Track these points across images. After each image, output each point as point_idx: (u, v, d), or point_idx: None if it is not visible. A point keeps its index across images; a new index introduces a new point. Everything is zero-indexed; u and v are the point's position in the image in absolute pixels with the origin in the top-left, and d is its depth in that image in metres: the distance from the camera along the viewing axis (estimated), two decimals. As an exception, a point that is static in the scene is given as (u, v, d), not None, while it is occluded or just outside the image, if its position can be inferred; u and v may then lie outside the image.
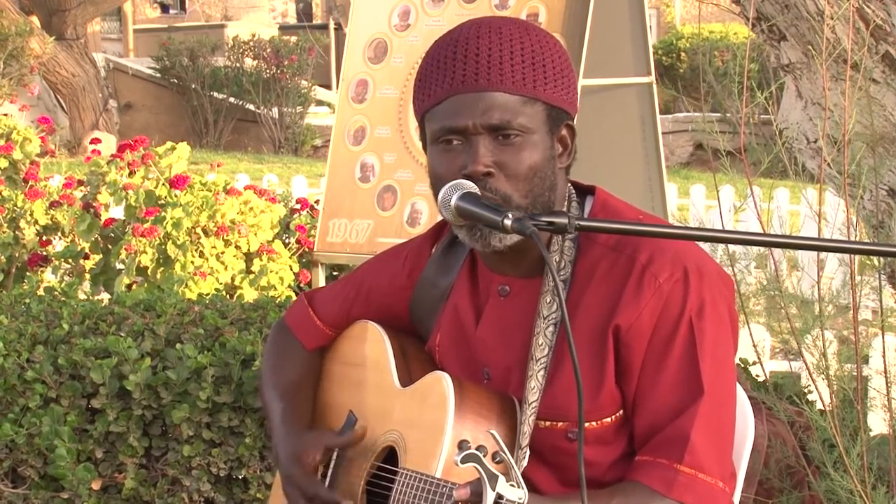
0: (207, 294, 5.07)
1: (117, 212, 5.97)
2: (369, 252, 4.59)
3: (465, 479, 2.03)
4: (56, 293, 4.51)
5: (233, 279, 5.61)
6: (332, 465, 2.45)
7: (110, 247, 5.83)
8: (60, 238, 6.16)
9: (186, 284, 5.34)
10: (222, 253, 5.59)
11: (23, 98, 15.95)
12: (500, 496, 1.93)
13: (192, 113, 18.55)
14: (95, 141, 7.02)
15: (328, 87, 20.26)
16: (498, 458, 1.99)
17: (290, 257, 5.76)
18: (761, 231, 3.47)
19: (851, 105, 3.32)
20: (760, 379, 3.79)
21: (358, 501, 2.36)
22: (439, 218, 2.33)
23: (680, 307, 2.16)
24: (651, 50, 5.26)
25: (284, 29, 23.82)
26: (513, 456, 2.18)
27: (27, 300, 4.32)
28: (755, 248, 3.43)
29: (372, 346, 2.45)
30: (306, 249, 5.76)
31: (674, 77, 18.73)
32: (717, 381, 2.17)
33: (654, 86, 5.19)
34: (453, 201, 2.13)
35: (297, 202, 6.41)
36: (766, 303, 3.57)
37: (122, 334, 3.89)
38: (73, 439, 3.76)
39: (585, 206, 2.29)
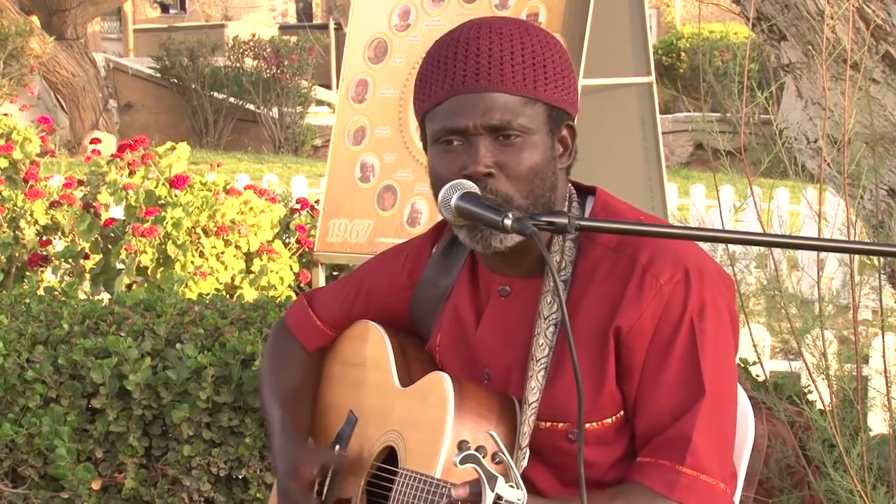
0: (207, 294, 5.07)
1: (117, 212, 5.97)
2: (369, 252, 4.59)
3: (464, 479, 2.03)
4: (56, 293, 4.51)
5: (233, 279, 5.61)
6: (332, 466, 2.45)
7: (110, 247, 5.83)
8: (60, 238, 6.16)
9: (186, 284, 5.34)
10: (222, 253, 5.59)
11: (23, 98, 15.95)
12: (498, 497, 1.93)
13: (192, 113, 18.55)
14: (95, 141, 7.02)
15: (328, 86, 20.26)
16: (497, 459, 1.99)
17: (290, 257, 5.76)
18: (761, 231, 3.47)
19: (851, 105, 3.32)
20: (760, 379, 3.79)
21: (358, 501, 2.36)
22: (439, 218, 2.32)
23: (681, 308, 2.15)
24: (651, 50, 5.26)
25: (284, 29, 23.82)
26: (512, 456, 2.18)
27: (27, 300, 4.32)
28: (755, 248, 3.43)
29: (372, 346, 2.45)
30: (306, 249, 5.77)
31: (674, 77, 18.73)
32: (719, 381, 2.16)
33: (654, 86, 5.19)
34: (453, 201, 2.13)
35: (297, 202, 6.41)
36: (766, 303, 3.58)
37: (122, 334, 3.89)
38: (73, 439, 3.76)
39: (586, 206, 2.29)
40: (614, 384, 2.19)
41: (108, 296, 5.57)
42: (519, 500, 1.94)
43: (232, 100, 18.37)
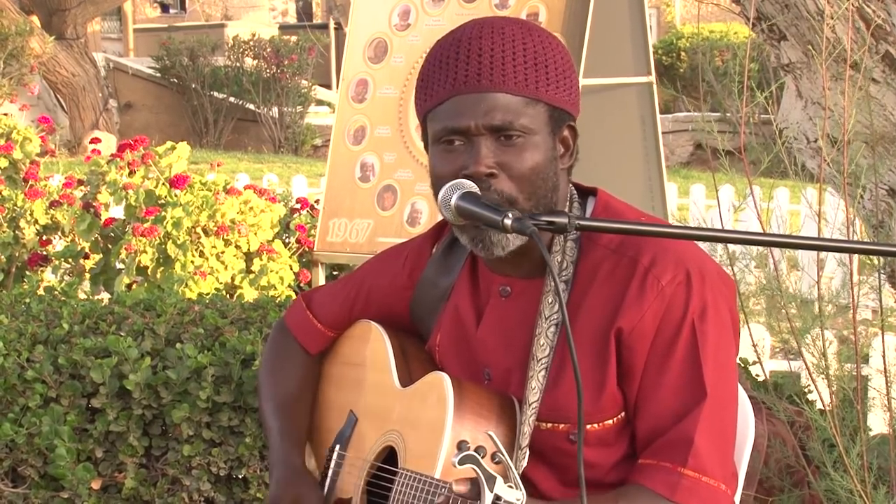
0: (207, 294, 5.07)
1: (117, 211, 5.97)
2: (369, 252, 4.59)
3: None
4: (56, 293, 4.51)
5: (233, 279, 5.61)
6: (331, 466, 2.45)
7: (110, 246, 5.83)
8: (60, 238, 6.16)
9: (186, 284, 5.34)
10: (222, 252, 5.59)
11: (23, 98, 15.95)
12: (497, 497, 1.93)
13: (192, 112, 18.55)
14: (95, 140, 7.03)
15: (328, 86, 20.26)
16: (497, 459, 1.99)
17: (290, 257, 5.76)
18: (761, 231, 3.47)
19: (851, 105, 3.32)
20: (760, 379, 3.79)
21: (358, 501, 2.36)
22: (439, 218, 2.32)
23: (682, 310, 2.15)
24: (651, 49, 5.26)
25: (284, 28, 23.82)
26: (512, 456, 2.18)
27: (27, 300, 4.32)
28: (755, 248, 3.43)
29: (372, 345, 2.45)
30: (306, 249, 5.77)
31: (674, 77, 18.73)
32: (720, 383, 2.16)
33: (654, 85, 5.19)
34: (453, 201, 2.13)
35: (297, 202, 6.41)
36: (766, 302, 3.57)
37: (122, 334, 3.89)
38: (73, 439, 3.76)
39: (587, 207, 2.29)
40: (615, 385, 2.18)
41: (108, 295, 5.57)
42: (518, 500, 1.94)
43: (232, 99, 18.37)
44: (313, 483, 2.44)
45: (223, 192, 5.75)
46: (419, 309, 2.43)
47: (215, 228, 5.58)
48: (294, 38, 19.55)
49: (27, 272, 5.78)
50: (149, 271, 5.57)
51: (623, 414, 2.21)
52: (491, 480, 1.93)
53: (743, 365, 3.97)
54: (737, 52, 3.53)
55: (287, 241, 5.90)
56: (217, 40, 19.41)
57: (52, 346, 3.89)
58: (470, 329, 2.32)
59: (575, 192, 2.29)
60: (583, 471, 1.97)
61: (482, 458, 1.95)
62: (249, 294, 5.48)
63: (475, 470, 1.94)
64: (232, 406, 3.76)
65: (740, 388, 2.29)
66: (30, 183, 6.29)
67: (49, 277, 5.86)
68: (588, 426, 2.19)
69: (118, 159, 5.94)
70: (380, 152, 5.04)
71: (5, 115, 8.34)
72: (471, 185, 2.14)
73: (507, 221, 2.04)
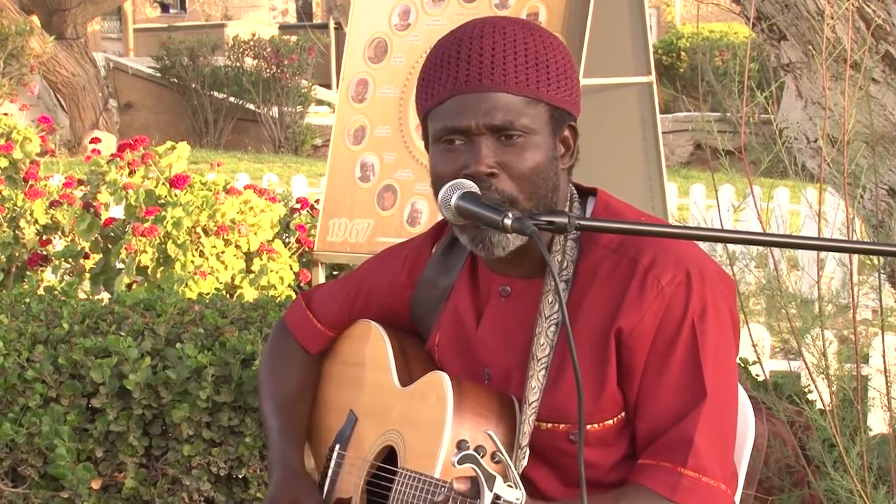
0: (207, 293, 5.07)
1: (117, 211, 5.97)
2: (369, 251, 4.58)
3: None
4: (56, 293, 4.51)
5: (233, 279, 5.61)
6: (331, 466, 2.45)
7: (110, 246, 5.83)
8: (60, 237, 6.16)
9: (186, 284, 5.34)
10: (222, 252, 5.59)
11: (23, 97, 15.95)
12: (497, 496, 1.93)
13: (192, 112, 18.55)
14: (95, 140, 7.02)
15: (328, 86, 20.26)
16: (497, 459, 1.99)
17: (290, 257, 5.76)
18: (761, 231, 3.47)
19: (851, 105, 3.32)
20: (760, 378, 3.79)
21: (358, 501, 2.36)
22: (439, 217, 2.32)
23: (682, 310, 2.15)
24: (651, 49, 5.26)
25: (284, 28, 23.82)
26: (512, 456, 2.18)
27: (27, 300, 4.32)
28: (755, 248, 3.43)
29: (372, 345, 2.45)
30: (306, 249, 5.76)
31: (674, 77, 18.73)
32: (720, 383, 2.16)
33: (655, 85, 5.19)
34: (453, 201, 2.13)
35: (297, 202, 6.41)
36: (766, 302, 3.57)
37: (122, 334, 3.89)
38: (73, 439, 3.76)
39: (587, 207, 2.29)
40: (615, 385, 2.18)
41: (108, 295, 5.57)
42: (517, 499, 1.94)
43: (232, 99, 18.37)
44: (312, 484, 2.44)
45: (223, 191, 5.75)
46: (419, 309, 2.43)
47: (215, 228, 5.58)
48: (294, 38, 19.55)
49: (27, 272, 5.79)
50: (149, 271, 5.57)
51: (623, 414, 2.21)
52: (490, 480, 1.93)
53: (743, 365, 3.96)
54: (737, 52, 3.53)
55: (287, 240, 5.90)
56: (217, 40, 19.41)
57: (52, 345, 3.89)
58: (470, 329, 2.32)
59: (575, 192, 2.29)
60: (583, 471, 1.97)
61: (482, 457, 1.95)
62: (249, 294, 5.48)
63: (474, 469, 1.94)
64: (232, 406, 3.76)
65: (740, 388, 2.29)
66: (30, 183, 6.29)
67: (49, 277, 5.86)
68: (588, 426, 2.19)
69: (118, 159, 5.94)
70: (380, 152, 5.04)
71: (5, 114, 8.34)
72: (471, 185, 2.14)
73: (507, 221, 2.04)
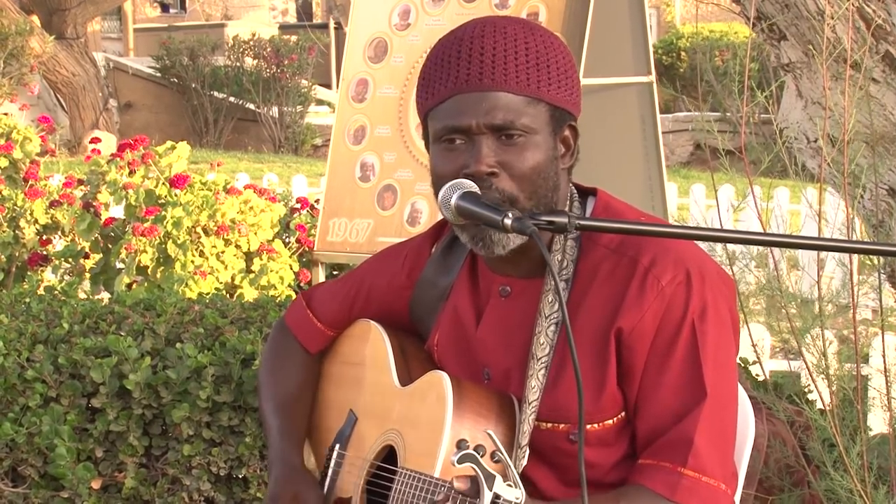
0: (207, 293, 5.07)
1: (117, 211, 5.98)
2: (369, 251, 4.58)
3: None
4: (56, 292, 4.51)
5: (233, 278, 5.61)
6: (331, 466, 2.45)
7: (110, 246, 5.83)
8: (60, 237, 6.16)
9: (186, 284, 5.34)
10: (222, 252, 5.59)
11: (23, 97, 15.94)
12: (496, 496, 1.93)
13: (192, 112, 18.55)
14: (95, 140, 7.02)
15: (328, 86, 20.26)
16: (496, 458, 1.99)
17: (290, 256, 5.76)
18: (761, 231, 3.47)
19: (851, 105, 3.32)
20: (760, 378, 3.79)
21: (358, 501, 2.36)
22: (439, 217, 2.32)
23: (682, 310, 2.15)
24: (651, 49, 5.26)
25: (284, 28, 23.82)
26: (512, 455, 2.18)
27: (27, 299, 4.32)
28: (755, 248, 3.43)
29: (372, 345, 2.45)
30: (306, 249, 5.77)
31: (674, 77, 18.73)
32: (720, 383, 2.16)
33: (655, 85, 5.19)
34: (453, 200, 2.13)
35: (297, 201, 6.41)
36: (766, 302, 3.57)
37: (123, 333, 3.89)
38: (73, 438, 3.76)
39: (587, 207, 2.29)
40: (615, 385, 2.18)
41: (108, 295, 5.58)
42: (517, 499, 1.94)
43: (232, 99, 18.37)
44: (312, 481, 2.44)
45: (223, 191, 5.75)
46: (418, 308, 2.43)
47: (215, 228, 5.58)
48: (294, 38, 19.55)
49: (27, 272, 5.79)
50: (149, 271, 5.57)
51: (623, 414, 2.21)
52: (490, 479, 1.93)
53: (743, 365, 3.96)
54: (737, 52, 3.53)
55: (287, 240, 5.90)
56: (217, 40, 19.41)
57: (52, 345, 3.89)
58: (469, 329, 2.32)
59: (575, 191, 2.29)
60: (584, 470, 1.97)
61: (481, 456, 1.95)
62: (249, 294, 5.48)
63: (474, 468, 1.94)
64: (232, 406, 3.76)
65: (740, 388, 2.29)
66: (30, 182, 6.29)
67: (49, 277, 5.87)
68: (588, 426, 2.19)
69: (118, 159, 5.94)
70: (380, 152, 5.04)
71: (5, 114, 8.34)
72: (471, 185, 2.14)
73: (507, 221, 2.04)
